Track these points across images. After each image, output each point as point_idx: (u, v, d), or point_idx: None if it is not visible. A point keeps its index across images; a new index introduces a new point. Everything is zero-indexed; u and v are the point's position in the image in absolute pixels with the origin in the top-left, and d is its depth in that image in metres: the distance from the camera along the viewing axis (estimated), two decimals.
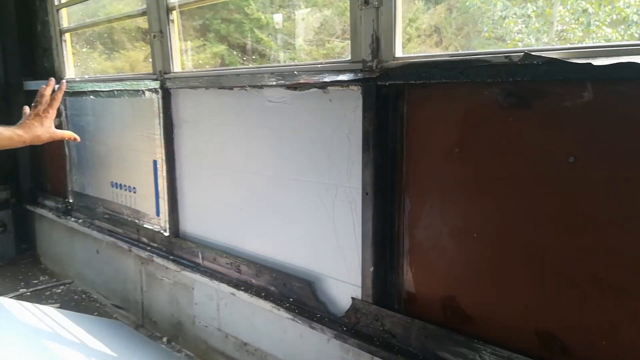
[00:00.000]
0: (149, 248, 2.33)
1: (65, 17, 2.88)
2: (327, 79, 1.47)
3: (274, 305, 1.71)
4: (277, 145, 1.71)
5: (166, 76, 2.12)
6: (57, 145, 2.99)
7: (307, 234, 1.66)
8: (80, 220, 2.80)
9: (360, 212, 1.45)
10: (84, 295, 2.85)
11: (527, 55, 1.08)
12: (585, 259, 1.09)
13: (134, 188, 2.43)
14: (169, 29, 2.11)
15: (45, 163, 3.29)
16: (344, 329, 1.52)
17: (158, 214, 2.28)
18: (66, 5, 2.84)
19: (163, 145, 2.17)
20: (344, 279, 1.56)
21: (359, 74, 1.39)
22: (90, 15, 3.20)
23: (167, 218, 2.22)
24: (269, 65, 3.86)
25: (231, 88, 1.82)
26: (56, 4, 2.85)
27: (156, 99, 2.17)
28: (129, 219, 2.48)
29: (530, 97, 1.12)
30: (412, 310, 1.42)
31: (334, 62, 1.52)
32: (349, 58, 1.45)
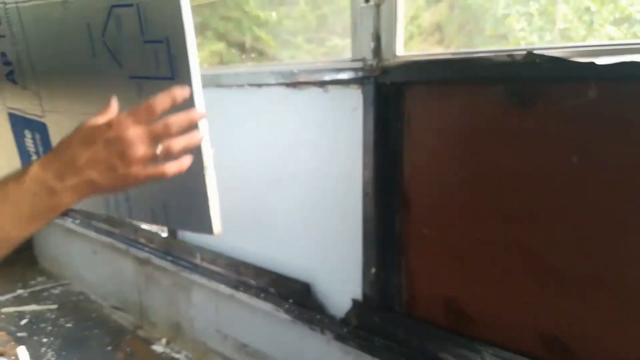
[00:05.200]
0: (147, 249, 2.31)
1: None
2: (327, 77, 1.45)
3: (273, 306, 1.69)
4: (276, 145, 1.69)
5: None
6: None
7: (307, 234, 1.64)
8: (77, 221, 2.78)
9: (360, 213, 1.43)
10: (81, 297, 2.83)
11: (530, 54, 1.07)
12: (588, 260, 1.07)
13: None
14: None
15: None
16: (345, 330, 1.51)
17: None
18: None
19: None
20: (344, 280, 1.55)
21: (360, 73, 1.37)
22: None
23: None
24: (268, 64, 3.83)
25: (230, 87, 1.80)
26: None
27: None
28: (127, 219, 2.46)
29: (533, 96, 1.11)
30: (413, 311, 1.41)
31: (334, 60, 1.50)
32: (350, 57, 1.43)
